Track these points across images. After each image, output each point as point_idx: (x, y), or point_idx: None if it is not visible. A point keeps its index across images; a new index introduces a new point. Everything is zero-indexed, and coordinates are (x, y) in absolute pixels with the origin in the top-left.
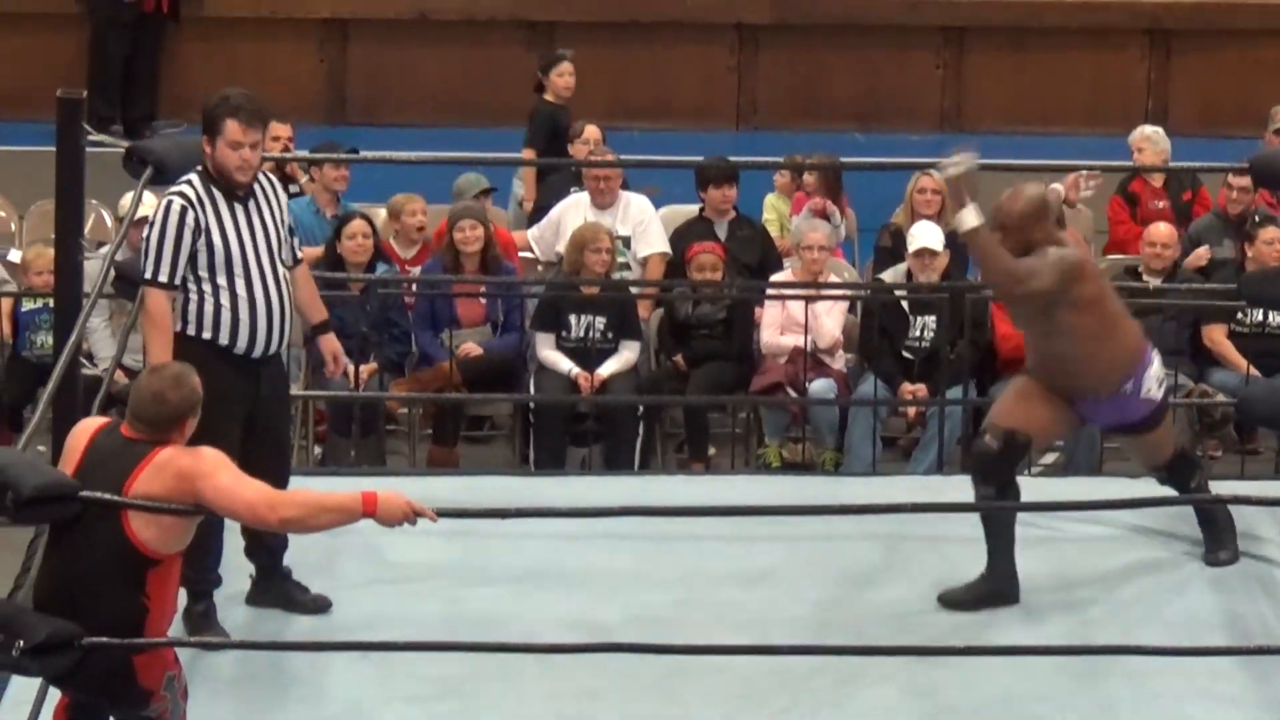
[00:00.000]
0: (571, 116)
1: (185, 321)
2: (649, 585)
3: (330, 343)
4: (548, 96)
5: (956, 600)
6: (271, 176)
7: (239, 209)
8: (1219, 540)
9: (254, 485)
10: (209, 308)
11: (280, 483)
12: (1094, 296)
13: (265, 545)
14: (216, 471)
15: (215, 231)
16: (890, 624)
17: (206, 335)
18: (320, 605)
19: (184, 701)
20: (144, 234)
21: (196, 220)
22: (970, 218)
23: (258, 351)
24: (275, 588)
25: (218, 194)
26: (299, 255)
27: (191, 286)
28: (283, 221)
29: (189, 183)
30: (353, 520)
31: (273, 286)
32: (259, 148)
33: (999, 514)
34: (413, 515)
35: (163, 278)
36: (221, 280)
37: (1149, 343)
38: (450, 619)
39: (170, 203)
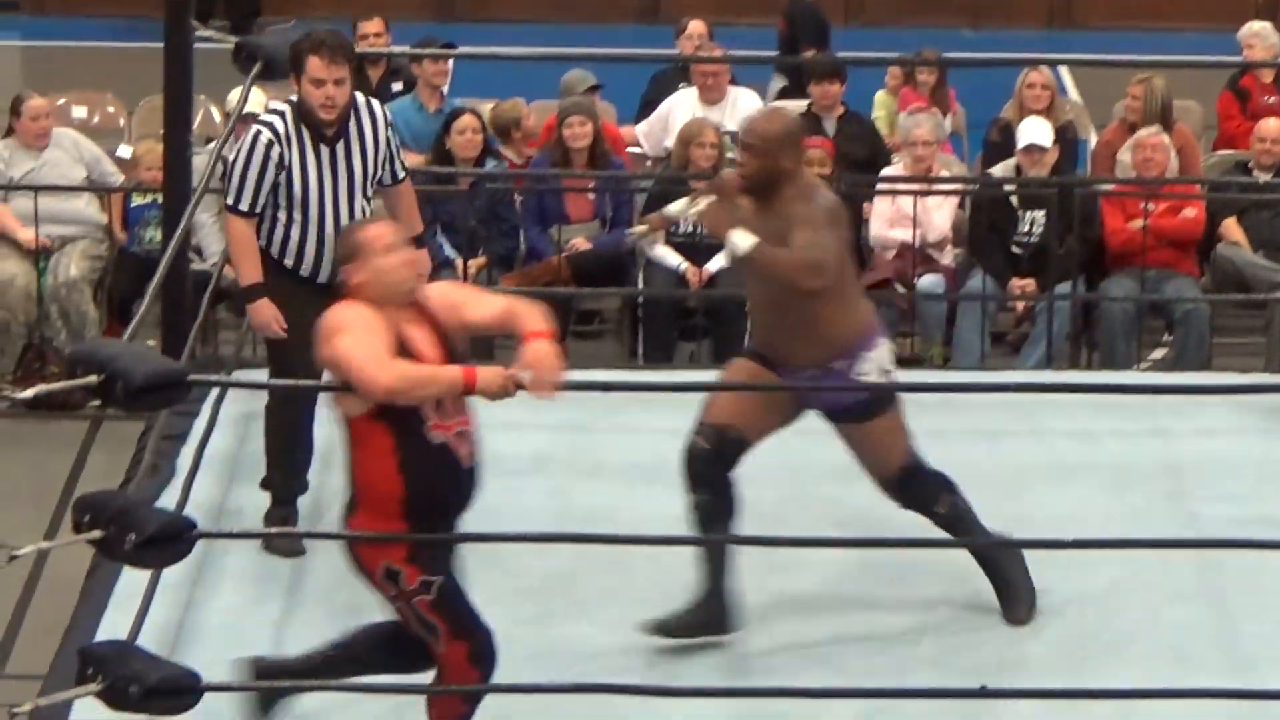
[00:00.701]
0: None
1: (265, 242)
2: (754, 480)
3: (422, 256)
4: None
5: (665, 627)
6: (375, 104)
7: (324, 150)
8: (1011, 593)
9: (370, 347)
10: (279, 235)
11: None
12: (845, 249)
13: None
14: (341, 330)
15: (297, 170)
16: (998, 518)
17: (281, 259)
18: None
19: (428, 608)
20: (230, 159)
21: (281, 157)
22: (742, 240)
23: (325, 277)
24: None
25: (305, 132)
26: (400, 175)
27: (268, 214)
28: (375, 157)
29: (280, 115)
30: (454, 393)
31: (341, 218)
32: (344, 84)
33: (713, 537)
34: (512, 386)
35: (243, 206)
36: (297, 215)
37: (880, 327)
38: (559, 512)
39: (258, 134)
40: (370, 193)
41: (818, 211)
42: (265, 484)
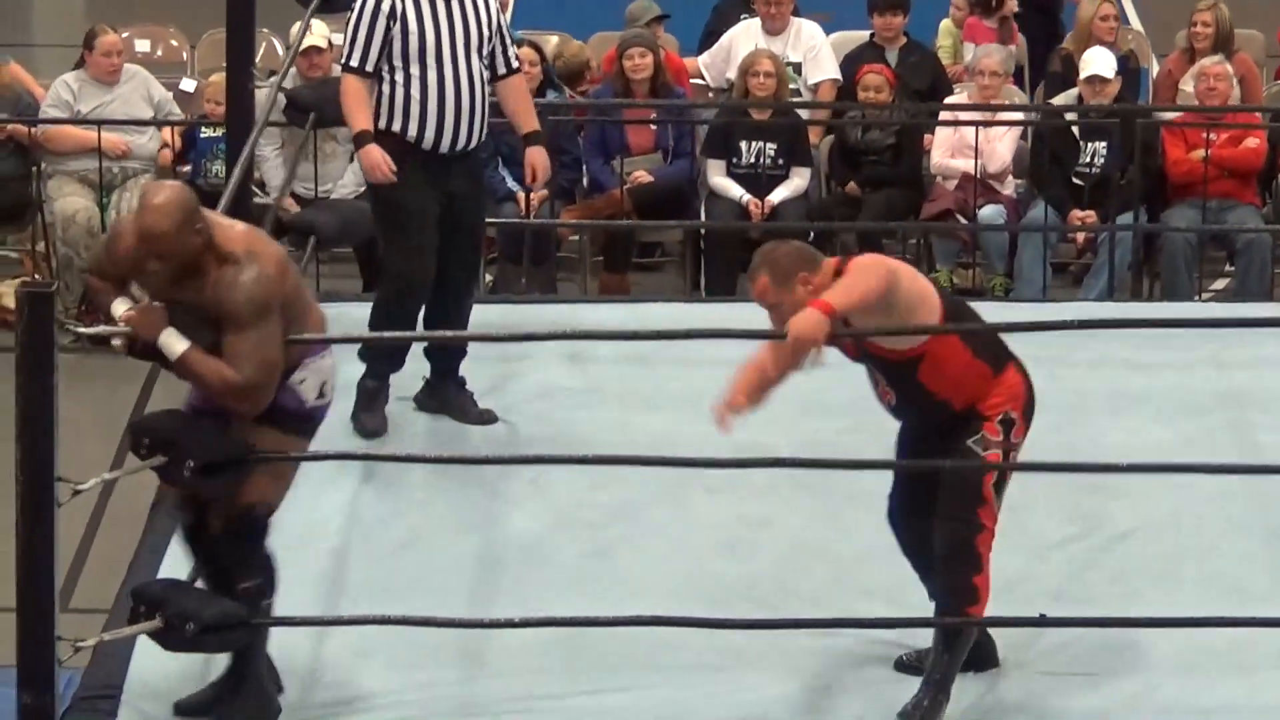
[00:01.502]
0: None
1: (378, 115)
2: (817, 412)
3: (535, 155)
4: None
5: None
6: None
7: (439, 5)
8: None
9: None
10: (399, 97)
11: (465, 296)
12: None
13: (445, 349)
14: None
15: (412, 18)
16: (1058, 446)
17: (396, 127)
18: (488, 419)
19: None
20: (347, 22)
21: (393, 5)
22: (175, 343)
23: (445, 146)
24: (449, 395)
25: None
26: (514, 64)
27: (385, 75)
28: (489, 22)
29: None
30: None
31: (465, 81)
32: None
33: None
34: None
35: (355, 62)
36: (414, 70)
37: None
38: (620, 443)
39: None
40: (485, 58)
41: (242, 306)
42: (361, 354)
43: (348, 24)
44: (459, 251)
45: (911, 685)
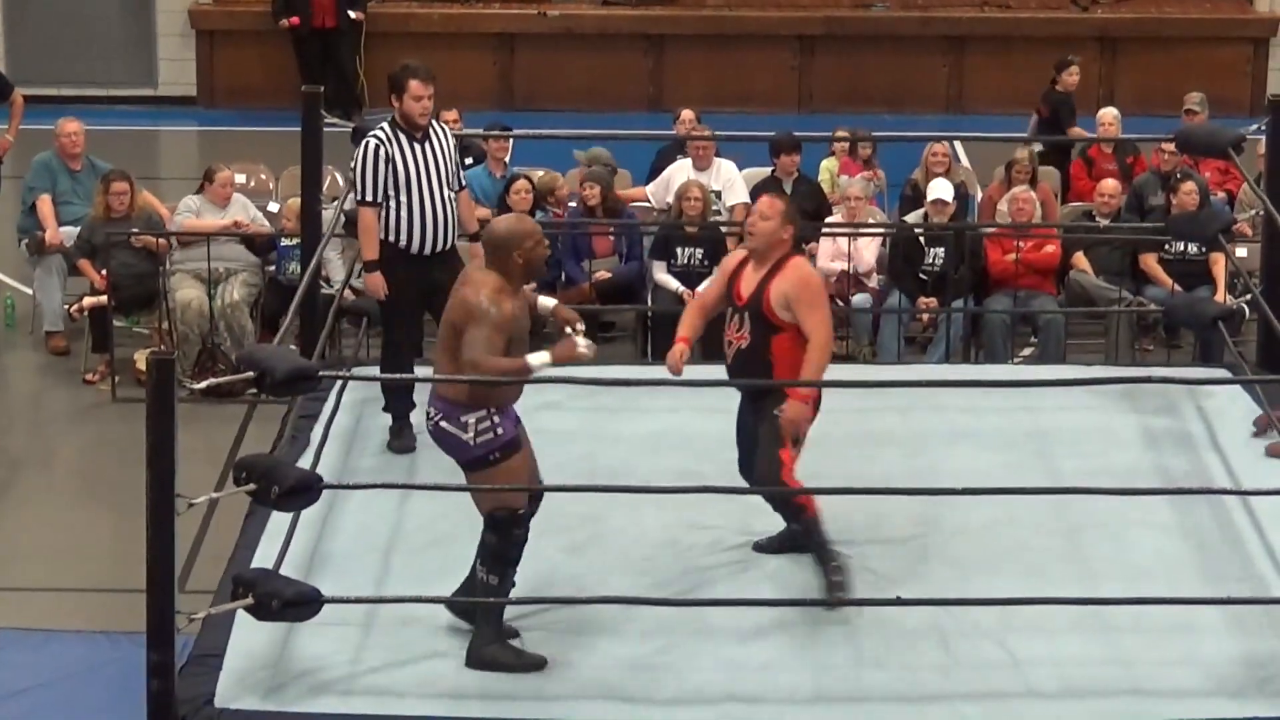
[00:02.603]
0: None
1: (384, 230)
2: (731, 445)
3: (476, 248)
4: (1058, 88)
5: None
6: (443, 126)
7: (417, 147)
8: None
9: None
10: (394, 218)
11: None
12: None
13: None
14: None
15: (399, 161)
16: (908, 471)
17: (393, 240)
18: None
19: None
20: (352, 169)
21: (387, 153)
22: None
23: (428, 249)
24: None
25: (402, 135)
26: (463, 184)
27: (386, 203)
28: (451, 158)
29: (381, 129)
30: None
31: (439, 202)
32: (432, 98)
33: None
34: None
35: (367, 197)
36: (403, 198)
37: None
38: (587, 471)
39: (368, 142)
40: (452, 185)
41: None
42: (386, 408)
43: (354, 168)
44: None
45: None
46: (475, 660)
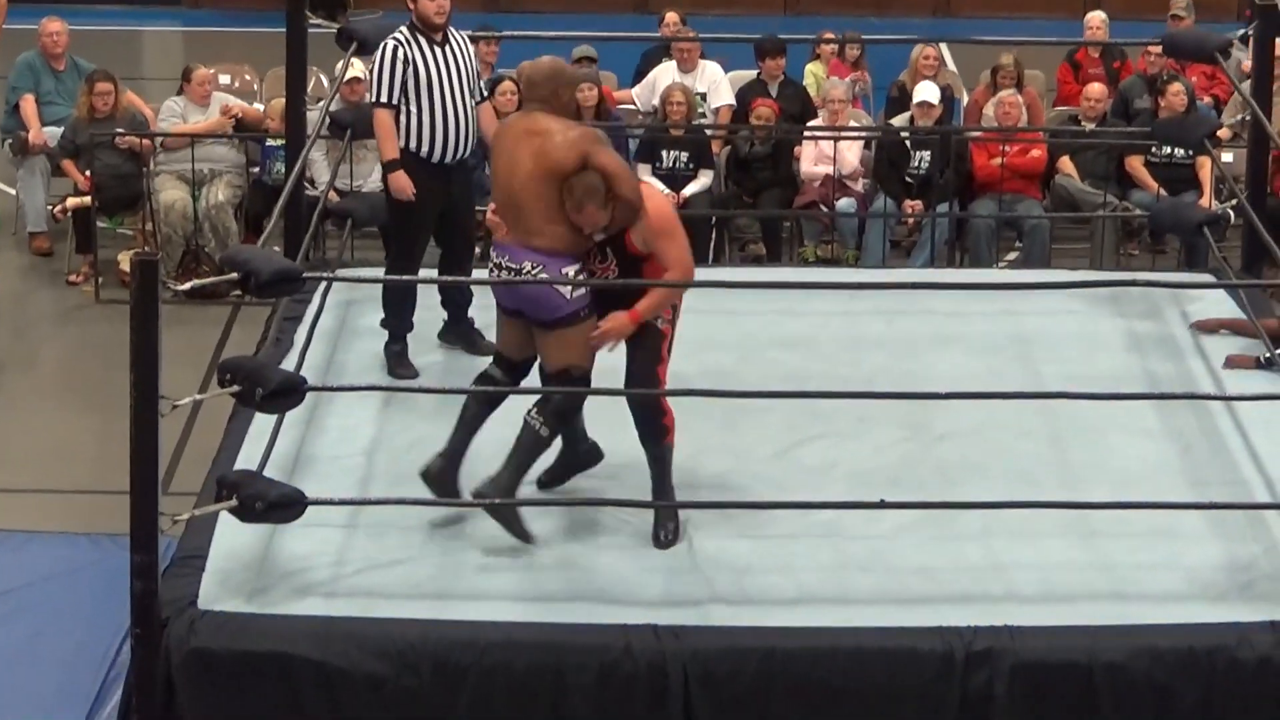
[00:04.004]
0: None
1: (403, 136)
2: (717, 347)
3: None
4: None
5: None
6: (462, 35)
7: (437, 50)
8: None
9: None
10: (413, 123)
11: (465, 262)
12: None
13: (453, 299)
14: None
15: (420, 64)
16: (893, 375)
17: (413, 146)
18: (490, 350)
19: None
20: (371, 69)
21: (406, 56)
22: None
23: (448, 158)
24: (461, 332)
25: (421, 39)
26: (485, 95)
27: (403, 107)
28: (471, 65)
29: (401, 32)
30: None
31: (460, 109)
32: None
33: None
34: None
35: (383, 99)
36: (424, 102)
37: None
38: None
39: (386, 44)
40: (472, 93)
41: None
42: (383, 324)
43: (372, 71)
44: (459, 234)
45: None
46: (484, 491)
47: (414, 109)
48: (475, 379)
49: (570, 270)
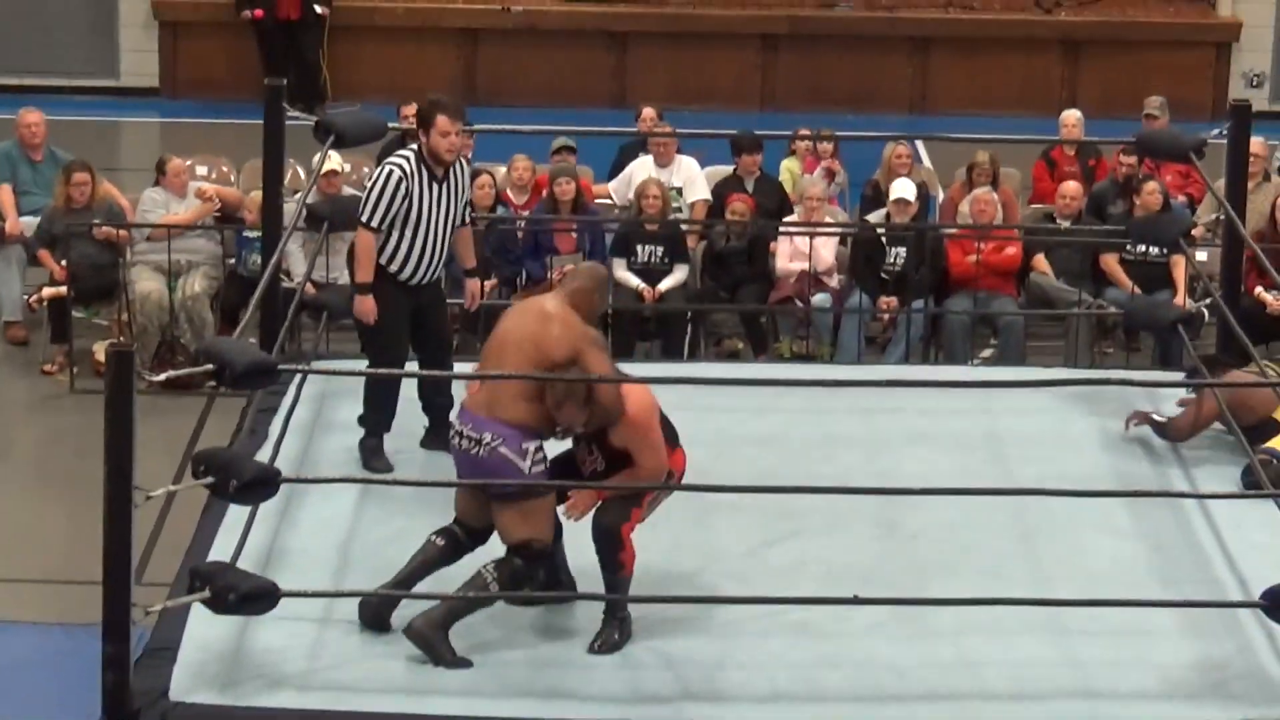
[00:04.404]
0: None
1: (382, 255)
2: (690, 443)
3: (473, 285)
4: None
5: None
6: (464, 161)
7: (437, 186)
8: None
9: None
10: (394, 249)
11: (444, 365)
12: None
13: (434, 402)
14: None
15: (417, 199)
16: (866, 473)
17: (389, 267)
18: None
19: None
20: (368, 187)
21: (407, 189)
22: None
23: (419, 280)
24: (446, 437)
25: (425, 172)
26: (469, 219)
27: (390, 232)
28: (465, 195)
29: (407, 159)
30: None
31: (442, 239)
32: (460, 134)
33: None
34: None
35: (373, 223)
36: (409, 232)
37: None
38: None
39: (393, 171)
40: (457, 223)
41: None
42: (361, 421)
43: (370, 188)
44: (433, 336)
45: None
46: (418, 628)
47: (398, 236)
48: (439, 533)
49: (530, 446)
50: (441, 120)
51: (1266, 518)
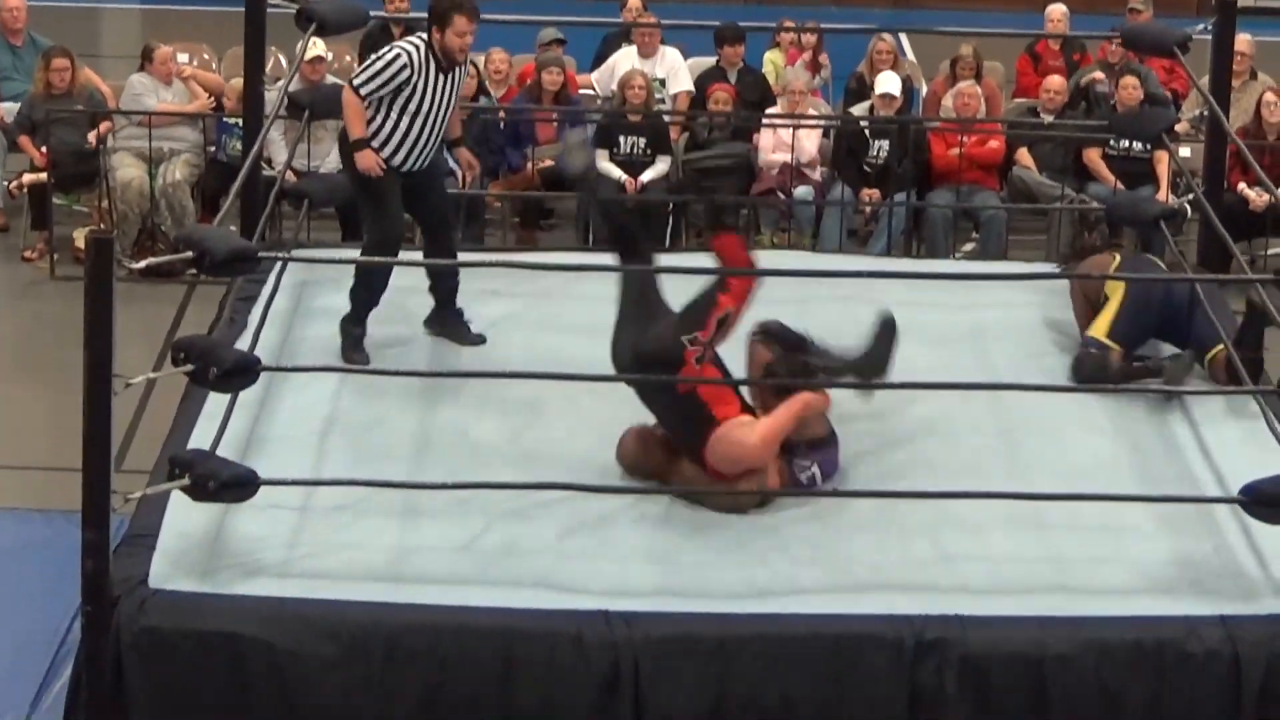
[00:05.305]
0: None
1: (375, 137)
2: None
3: (464, 153)
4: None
5: None
6: (470, 58)
7: (441, 77)
8: None
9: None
10: (386, 132)
11: (447, 242)
12: None
13: (439, 282)
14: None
15: (419, 87)
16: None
17: (384, 152)
18: (476, 341)
19: None
20: (372, 58)
21: (409, 77)
22: None
23: (409, 167)
24: (447, 321)
25: (432, 64)
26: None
27: (384, 110)
28: (460, 87)
29: (417, 49)
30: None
31: (436, 129)
32: (475, 34)
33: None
34: None
35: (363, 90)
36: (404, 119)
37: None
38: (529, 359)
39: (399, 56)
40: (453, 108)
41: None
42: (351, 294)
43: (373, 59)
44: (433, 213)
45: None
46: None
47: (392, 120)
48: None
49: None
50: (459, 20)
51: (1243, 415)
